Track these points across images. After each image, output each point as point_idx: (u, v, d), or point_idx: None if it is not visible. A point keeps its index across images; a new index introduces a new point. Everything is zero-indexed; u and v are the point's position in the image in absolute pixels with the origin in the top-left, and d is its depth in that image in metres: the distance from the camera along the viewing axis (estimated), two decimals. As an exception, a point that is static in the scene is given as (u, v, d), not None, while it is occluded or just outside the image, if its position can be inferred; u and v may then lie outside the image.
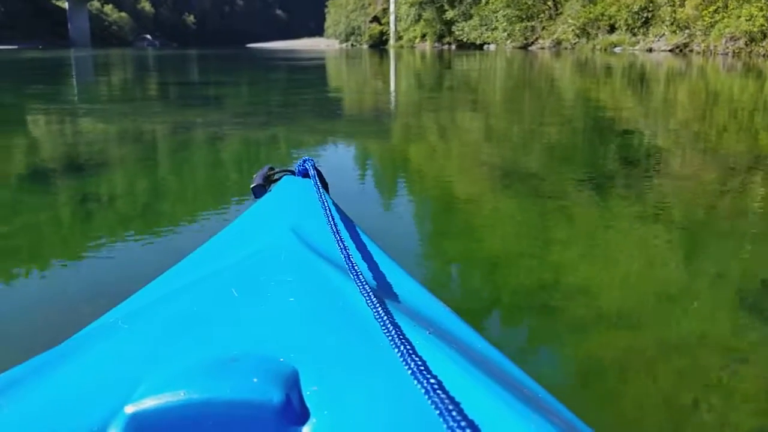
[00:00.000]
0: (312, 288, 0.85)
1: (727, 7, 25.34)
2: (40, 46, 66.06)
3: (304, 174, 1.44)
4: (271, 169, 1.53)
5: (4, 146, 5.75)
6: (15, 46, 66.37)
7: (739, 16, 24.19)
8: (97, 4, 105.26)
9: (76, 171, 4.59)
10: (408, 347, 0.63)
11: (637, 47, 30.20)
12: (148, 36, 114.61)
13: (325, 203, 1.11)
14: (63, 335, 0.78)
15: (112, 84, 14.62)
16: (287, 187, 1.38)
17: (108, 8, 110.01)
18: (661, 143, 5.77)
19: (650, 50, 29.01)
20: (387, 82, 14.59)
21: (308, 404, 0.61)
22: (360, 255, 0.99)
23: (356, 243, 1.04)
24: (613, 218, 3.30)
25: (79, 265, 2.70)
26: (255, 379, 0.62)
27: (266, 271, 0.90)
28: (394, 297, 0.84)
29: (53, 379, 0.66)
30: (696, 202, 3.61)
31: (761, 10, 23.54)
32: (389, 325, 0.68)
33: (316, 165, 1.41)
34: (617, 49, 30.85)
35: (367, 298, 0.75)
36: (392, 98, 10.92)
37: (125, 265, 2.63)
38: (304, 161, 1.45)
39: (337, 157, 5.55)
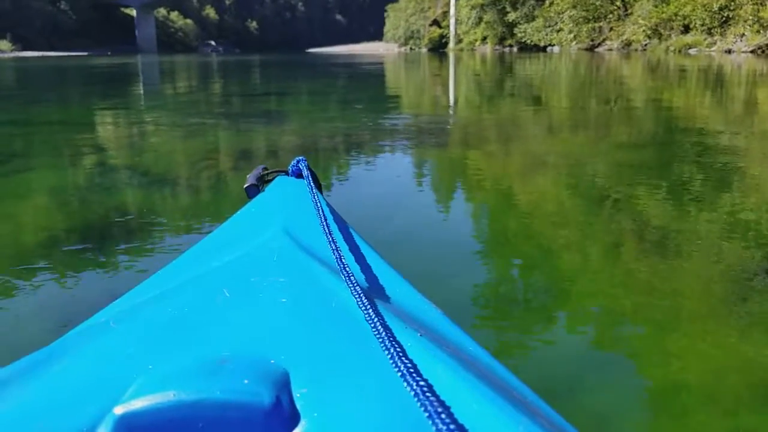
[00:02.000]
0: (304, 289, 0.85)
1: None
2: (109, 53, 68.07)
3: (298, 174, 1.43)
4: (265, 169, 1.52)
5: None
6: (86, 53, 68.84)
7: None
8: (163, 12, 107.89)
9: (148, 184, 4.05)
10: (398, 349, 0.64)
11: (713, 48, 28.54)
12: (212, 42, 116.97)
13: (318, 204, 1.12)
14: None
15: (170, 99, 14.27)
16: (280, 188, 1.37)
17: (174, 15, 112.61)
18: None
19: (729, 51, 27.32)
20: (446, 92, 13.85)
21: (298, 406, 0.62)
22: (352, 256, 0.98)
23: (349, 244, 1.03)
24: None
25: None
26: (246, 381, 0.62)
27: (258, 272, 0.90)
28: (386, 299, 0.84)
29: (42, 379, 0.67)
30: None
31: None
32: (380, 327, 0.68)
33: (309, 165, 1.40)
34: (692, 51, 29.23)
35: (359, 299, 0.75)
36: (450, 115, 10.21)
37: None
38: (298, 161, 1.42)
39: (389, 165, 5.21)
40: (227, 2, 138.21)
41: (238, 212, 1.24)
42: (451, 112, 9.20)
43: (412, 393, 0.56)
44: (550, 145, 5.97)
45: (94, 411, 0.61)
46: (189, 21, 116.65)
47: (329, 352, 0.70)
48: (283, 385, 0.63)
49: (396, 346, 0.65)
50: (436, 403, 0.54)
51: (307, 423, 0.60)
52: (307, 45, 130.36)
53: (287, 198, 1.30)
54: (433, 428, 0.51)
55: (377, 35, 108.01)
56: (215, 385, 0.62)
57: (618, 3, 37.20)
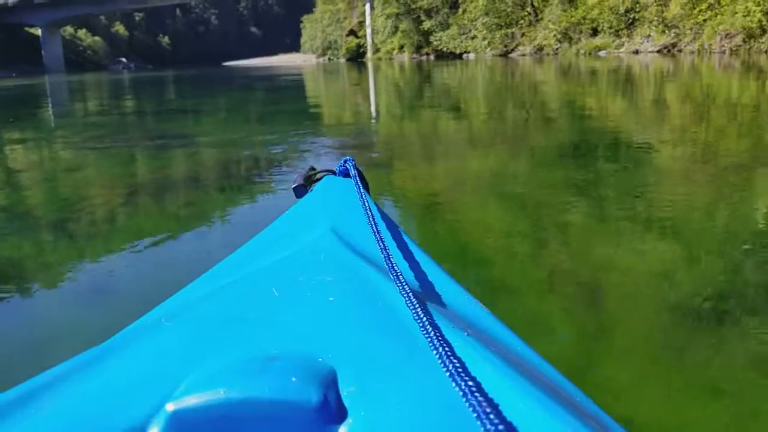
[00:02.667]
0: (351, 288, 0.84)
1: (719, 3, 24.50)
2: (14, 74, 64.76)
3: (345, 174, 1.42)
4: (312, 169, 1.53)
5: None
6: (-13, 76, 65.31)
7: (735, 12, 23.24)
8: (70, 30, 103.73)
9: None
10: (447, 349, 0.64)
11: (622, 50, 29.53)
12: (123, 59, 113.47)
13: (366, 203, 1.12)
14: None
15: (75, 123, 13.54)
16: (328, 187, 1.37)
17: (82, 33, 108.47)
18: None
19: (636, 52, 28.32)
20: (368, 103, 13.70)
21: (346, 404, 0.62)
22: (400, 255, 0.98)
23: (397, 243, 1.03)
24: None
25: None
26: (293, 379, 0.63)
27: (306, 271, 0.90)
28: (434, 298, 0.84)
29: (98, 375, 0.68)
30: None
31: (758, 4, 22.59)
32: (428, 326, 0.68)
33: (356, 165, 1.40)
34: (602, 53, 30.17)
35: (407, 298, 0.75)
36: (372, 131, 10.09)
37: None
38: (345, 161, 1.43)
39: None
40: (137, 18, 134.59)
41: (286, 212, 1.25)
42: (372, 127, 8.97)
43: (460, 392, 0.56)
44: (475, 161, 5.83)
45: (147, 407, 0.62)
46: (98, 38, 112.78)
47: (376, 351, 0.69)
48: (331, 383, 0.63)
49: (444, 345, 0.64)
50: (484, 403, 0.54)
51: (354, 421, 0.60)
52: (223, 58, 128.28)
53: (335, 198, 1.30)
54: (482, 428, 0.51)
55: (294, 46, 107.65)
56: (264, 383, 0.62)
57: (528, 9, 38.05)
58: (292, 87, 21.11)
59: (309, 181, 1.46)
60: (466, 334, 0.69)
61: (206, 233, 3.57)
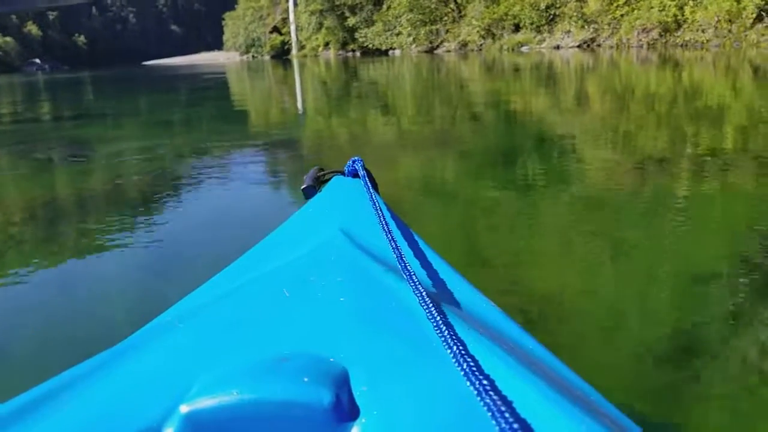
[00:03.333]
0: (362, 288, 0.85)
1: None
2: None
3: (354, 174, 1.41)
4: (321, 170, 1.52)
5: None
6: None
7: (651, 7, 24.08)
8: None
9: None
10: (460, 347, 0.63)
11: (543, 45, 30.15)
12: (37, 60, 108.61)
13: (376, 203, 1.11)
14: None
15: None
16: (337, 188, 1.36)
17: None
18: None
19: (557, 47, 28.96)
20: (294, 104, 13.41)
21: (358, 404, 0.62)
22: (412, 254, 0.98)
23: (408, 243, 1.02)
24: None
25: None
26: (306, 379, 0.63)
27: (317, 272, 0.90)
28: (447, 297, 0.84)
29: (112, 377, 0.69)
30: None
31: None
32: (441, 325, 0.68)
33: (364, 165, 1.39)
34: (524, 48, 30.70)
35: (419, 297, 0.75)
36: (301, 118, 9.88)
37: None
38: (354, 161, 1.42)
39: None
40: (51, 17, 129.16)
41: (296, 213, 1.24)
42: (300, 127, 8.77)
43: (474, 391, 0.56)
44: (406, 161, 5.71)
45: (161, 408, 0.63)
46: (9, 39, 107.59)
47: (388, 350, 0.70)
48: (343, 383, 0.63)
49: (458, 343, 0.64)
50: (498, 401, 0.54)
51: (367, 420, 0.60)
52: (143, 58, 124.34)
53: (344, 198, 1.30)
54: (496, 426, 0.51)
55: (216, 44, 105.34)
56: (276, 384, 0.63)
57: (452, 5, 38.34)
58: (215, 87, 20.52)
59: (318, 181, 1.46)
60: (479, 333, 0.69)
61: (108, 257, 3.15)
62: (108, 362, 0.71)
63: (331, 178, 1.45)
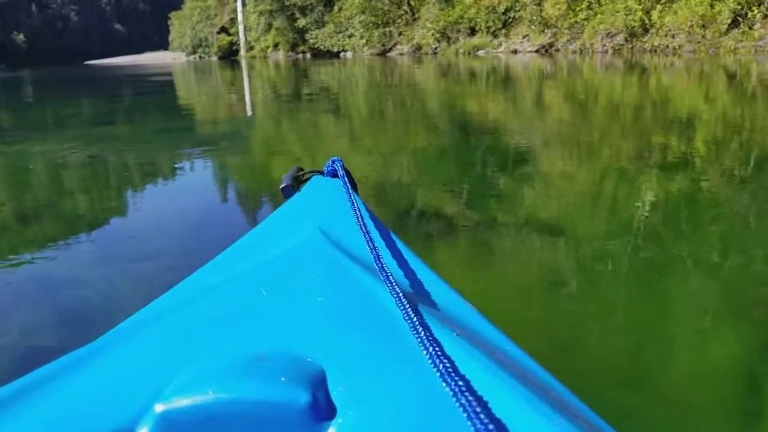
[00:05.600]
0: (340, 288, 0.85)
1: (599, 3, 24.59)
2: None
3: (333, 174, 1.41)
4: (300, 169, 1.52)
5: None
6: None
7: (617, 11, 23.23)
8: None
9: None
10: (437, 348, 0.64)
11: (500, 49, 29.50)
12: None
13: (355, 203, 1.11)
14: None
15: None
16: (316, 188, 1.36)
17: None
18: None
19: (515, 52, 28.33)
20: (243, 109, 12.41)
21: (335, 404, 0.62)
22: (389, 255, 0.98)
23: (386, 243, 1.03)
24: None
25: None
26: (282, 379, 0.63)
27: (295, 271, 0.90)
28: (424, 298, 0.84)
29: (85, 375, 0.68)
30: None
31: (639, 3, 22.61)
32: (418, 326, 0.68)
33: (344, 165, 1.39)
34: (481, 53, 29.98)
35: (396, 298, 0.75)
36: (250, 124, 9.08)
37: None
38: (333, 161, 1.41)
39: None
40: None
41: (275, 212, 1.23)
42: (248, 138, 7.87)
43: (450, 392, 0.56)
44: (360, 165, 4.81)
45: (136, 407, 0.61)
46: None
47: (365, 351, 0.69)
48: (320, 383, 0.63)
49: (434, 344, 0.64)
50: (474, 402, 0.54)
51: (344, 420, 0.60)
52: (85, 57, 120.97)
53: (323, 198, 1.29)
54: (471, 427, 0.51)
55: (162, 44, 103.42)
56: (253, 384, 0.62)
57: (405, 8, 37.63)
58: (160, 91, 19.30)
59: (297, 181, 1.45)
60: (455, 334, 0.68)
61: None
62: (81, 360, 0.69)
63: (310, 177, 1.44)
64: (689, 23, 20.26)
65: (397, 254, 0.98)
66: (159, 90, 19.08)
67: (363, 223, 1.00)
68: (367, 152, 5.83)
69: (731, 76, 12.65)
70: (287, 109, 11.05)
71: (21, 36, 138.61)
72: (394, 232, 1.07)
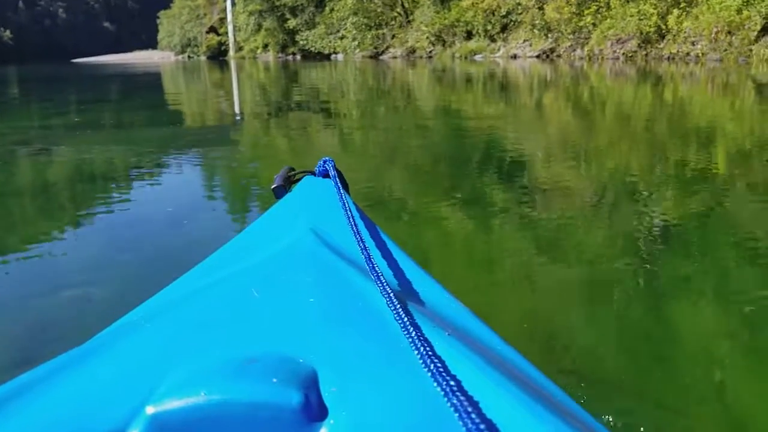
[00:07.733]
0: (331, 288, 0.85)
1: (609, 6, 23.28)
2: None
3: (325, 174, 1.41)
4: (292, 170, 1.51)
5: None
6: None
7: (630, 15, 21.70)
8: None
9: None
10: (428, 348, 0.64)
11: (498, 54, 28.36)
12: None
13: (346, 204, 1.11)
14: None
15: None
16: (307, 188, 1.36)
17: None
18: None
19: (515, 57, 27.17)
20: (233, 114, 11.48)
21: (327, 404, 0.62)
22: (380, 255, 0.98)
23: (377, 243, 1.03)
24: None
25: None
26: (274, 380, 0.63)
27: (286, 272, 0.90)
28: (415, 298, 0.84)
29: (76, 377, 0.68)
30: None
31: (655, 7, 21.11)
32: (409, 326, 0.68)
33: (335, 165, 1.38)
34: (478, 57, 28.82)
35: (387, 298, 0.75)
36: (239, 129, 8.10)
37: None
38: (324, 162, 1.41)
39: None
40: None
41: (266, 213, 1.23)
42: (239, 147, 7.08)
43: (442, 392, 0.57)
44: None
45: (127, 409, 0.61)
46: None
47: (357, 351, 0.69)
48: (312, 383, 0.63)
49: (425, 344, 0.65)
50: (465, 402, 0.54)
51: (336, 421, 0.60)
52: (73, 55, 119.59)
53: (314, 198, 1.29)
54: (463, 427, 0.52)
55: (151, 43, 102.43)
56: (244, 385, 0.62)
57: (399, 10, 36.56)
58: (148, 92, 18.25)
59: (288, 181, 1.44)
60: (446, 333, 0.69)
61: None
62: (72, 362, 0.69)
63: (301, 177, 1.43)
64: (714, 29, 18.90)
65: (388, 254, 0.97)
66: (148, 91, 18.09)
67: (354, 223, 1.00)
68: (354, 169, 4.85)
69: (761, 87, 11.54)
70: (276, 111, 10.07)
71: (8, 33, 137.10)
72: (386, 233, 1.06)
